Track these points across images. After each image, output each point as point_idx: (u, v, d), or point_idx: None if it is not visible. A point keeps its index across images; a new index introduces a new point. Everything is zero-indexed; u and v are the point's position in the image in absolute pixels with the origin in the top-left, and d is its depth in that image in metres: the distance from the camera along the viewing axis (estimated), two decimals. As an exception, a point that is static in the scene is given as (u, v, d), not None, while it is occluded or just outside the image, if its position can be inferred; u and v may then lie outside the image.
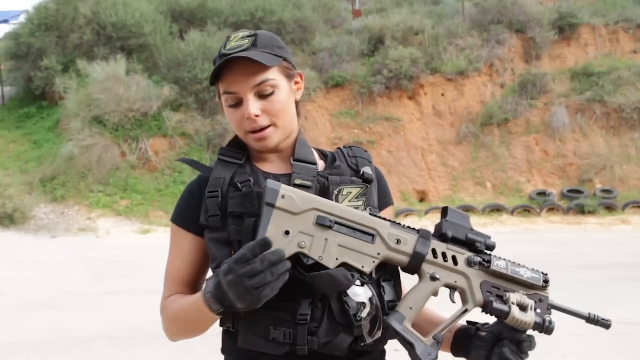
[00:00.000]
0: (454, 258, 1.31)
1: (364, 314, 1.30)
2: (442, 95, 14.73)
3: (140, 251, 9.48)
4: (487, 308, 1.30)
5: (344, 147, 1.52)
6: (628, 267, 7.81)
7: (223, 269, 1.20)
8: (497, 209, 12.82)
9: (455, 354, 1.41)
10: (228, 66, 1.35)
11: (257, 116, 1.36)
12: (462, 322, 1.38)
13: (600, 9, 16.84)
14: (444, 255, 1.31)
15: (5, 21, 19.92)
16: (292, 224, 1.25)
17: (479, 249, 1.31)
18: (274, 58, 1.37)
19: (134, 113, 13.20)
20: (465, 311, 1.32)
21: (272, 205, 1.25)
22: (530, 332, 1.32)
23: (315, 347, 1.29)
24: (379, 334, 1.33)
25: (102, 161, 12.65)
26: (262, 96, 1.37)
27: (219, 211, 1.35)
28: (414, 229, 1.32)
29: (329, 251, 1.26)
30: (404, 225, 1.32)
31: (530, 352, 1.32)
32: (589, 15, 16.21)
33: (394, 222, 1.31)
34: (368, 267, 1.28)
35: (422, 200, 13.48)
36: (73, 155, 12.62)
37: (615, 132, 14.24)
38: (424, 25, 15.67)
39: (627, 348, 4.77)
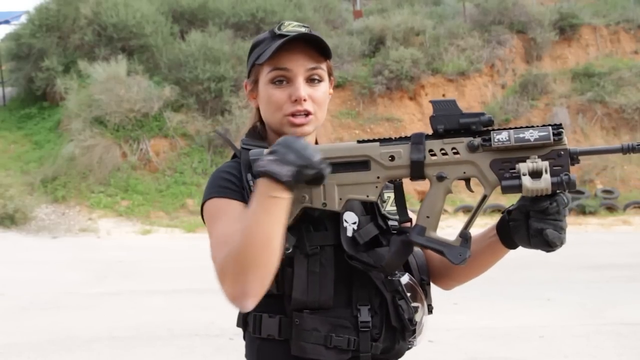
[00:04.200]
0: (453, 149, 1.25)
1: (418, 317, 1.31)
2: (443, 95, 14.71)
3: (141, 252, 9.48)
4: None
5: None
6: (629, 268, 7.80)
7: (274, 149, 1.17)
8: (498, 210, 12.80)
9: (511, 247, 1.32)
10: (284, 45, 1.33)
11: (304, 100, 1.35)
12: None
13: (601, 9, 16.85)
14: (442, 151, 1.25)
15: (6, 22, 19.92)
16: None
17: (475, 130, 1.24)
18: (328, 51, 1.38)
19: (135, 113, 13.20)
20: (485, 197, 1.25)
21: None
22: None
23: (379, 352, 1.30)
24: (424, 336, 1.37)
25: (102, 162, 12.66)
26: (309, 83, 1.37)
27: None
28: (405, 137, 1.28)
29: (330, 195, 1.26)
30: (395, 138, 1.28)
31: (566, 211, 1.23)
32: (589, 16, 16.22)
33: (383, 138, 1.28)
34: (373, 194, 1.28)
35: (423, 200, 13.50)
36: (74, 156, 12.63)
37: (616, 132, 14.23)
38: (424, 25, 15.67)
39: (628, 349, 4.76)
